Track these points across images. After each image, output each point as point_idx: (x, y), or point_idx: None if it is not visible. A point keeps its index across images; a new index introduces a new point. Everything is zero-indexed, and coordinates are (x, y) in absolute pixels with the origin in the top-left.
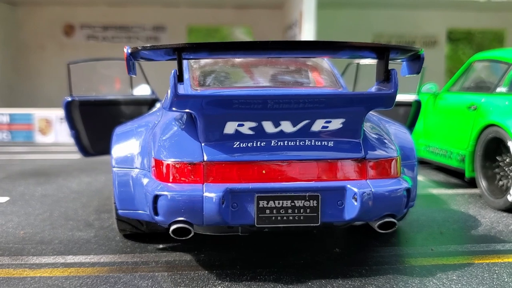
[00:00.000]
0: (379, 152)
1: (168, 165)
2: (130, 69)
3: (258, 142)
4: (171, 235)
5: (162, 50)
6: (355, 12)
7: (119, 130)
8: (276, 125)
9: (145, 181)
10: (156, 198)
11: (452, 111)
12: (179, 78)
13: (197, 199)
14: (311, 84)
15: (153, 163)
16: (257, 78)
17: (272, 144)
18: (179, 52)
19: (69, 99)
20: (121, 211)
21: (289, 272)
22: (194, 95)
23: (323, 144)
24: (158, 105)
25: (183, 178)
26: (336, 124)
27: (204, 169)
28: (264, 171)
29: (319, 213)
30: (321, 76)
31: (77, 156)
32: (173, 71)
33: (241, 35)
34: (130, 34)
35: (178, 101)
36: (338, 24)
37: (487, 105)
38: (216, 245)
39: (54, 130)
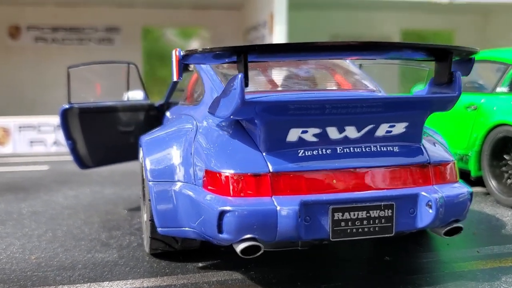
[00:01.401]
0: (439, 156)
1: (227, 177)
2: (180, 74)
3: (323, 150)
4: (240, 254)
5: (221, 53)
6: (312, 13)
7: (147, 139)
8: (341, 130)
9: (194, 195)
10: (221, 214)
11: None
12: (245, 83)
13: (270, 214)
14: (357, 87)
15: (205, 176)
16: (301, 81)
17: (338, 151)
18: (245, 55)
19: (67, 106)
20: (161, 229)
21: (354, 285)
22: (262, 102)
23: (388, 149)
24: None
25: (248, 191)
26: (399, 128)
27: (271, 180)
28: (334, 181)
29: (394, 222)
30: (360, 79)
31: (45, 167)
32: (240, 76)
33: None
34: (81, 36)
35: (244, 108)
36: (295, 26)
37: (490, 105)
38: (262, 260)
39: (12, 139)
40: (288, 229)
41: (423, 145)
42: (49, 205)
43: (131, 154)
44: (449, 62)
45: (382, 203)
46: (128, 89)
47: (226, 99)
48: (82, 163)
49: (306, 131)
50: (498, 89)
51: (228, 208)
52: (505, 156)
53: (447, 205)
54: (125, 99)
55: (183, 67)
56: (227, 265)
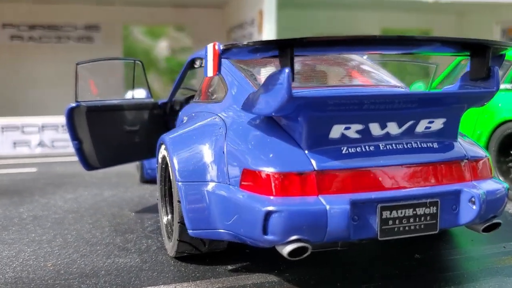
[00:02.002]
0: (475, 152)
1: (269, 176)
2: (218, 69)
3: (367, 146)
4: (287, 256)
5: (264, 47)
6: (295, 13)
7: (172, 138)
8: (383, 126)
9: (230, 195)
10: (267, 215)
11: None
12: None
13: (320, 214)
14: (385, 83)
15: (243, 175)
16: (332, 77)
17: (381, 148)
18: (291, 48)
19: (74, 105)
20: (193, 231)
21: (393, 285)
22: (310, 97)
23: (428, 145)
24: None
25: (292, 191)
26: (438, 124)
27: (316, 179)
28: (380, 178)
29: (438, 219)
30: (384, 76)
31: (33, 169)
32: (286, 70)
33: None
34: (59, 34)
35: (290, 104)
36: (278, 25)
37: (494, 101)
38: (292, 262)
39: None
40: (339, 229)
41: (459, 141)
42: (50, 208)
43: (136, 154)
44: (487, 57)
45: (428, 200)
46: (133, 87)
47: (269, 95)
48: (88, 164)
49: (349, 128)
50: (502, 86)
51: (274, 208)
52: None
53: (488, 201)
54: (128, 97)
55: (189, 64)
56: (258, 267)
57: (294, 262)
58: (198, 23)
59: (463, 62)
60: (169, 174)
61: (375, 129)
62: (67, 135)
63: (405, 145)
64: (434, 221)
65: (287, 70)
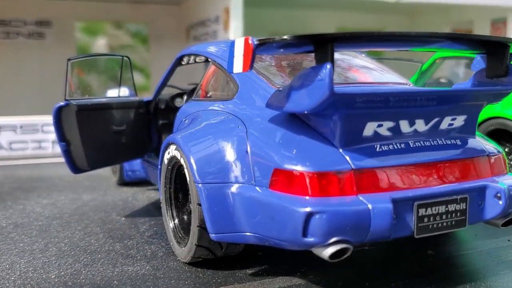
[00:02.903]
0: (492, 148)
1: (305, 176)
2: (251, 65)
3: (398, 144)
4: (328, 259)
5: (300, 42)
6: (250, 11)
7: (185, 137)
8: (411, 124)
9: (259, 197)
10: (309, 216)
11: None
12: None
13: (363, 214)
14: (393, 80)
15: (273, 175)
16: (346, 74)
17: (411, 145)
18: (331, 44)
19: (63, 103)
20: (216, 234)
21: (420, 282)
22: (353, 93)
23: (452, 142)
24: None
25: (331, 191)
26: (459, 121)
27: (355, 178)
28: (414, 176)
29: (467, 215)
30: (390, 72)
31: None
32: (328, 66)
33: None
34: (8, 29)
35: (331, 101)
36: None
37: None
38: (311, 263)
39: None
40: (382, 229)
41: (476, 138)
42: (29, 215)
43: (123, 155)
44: (506, 55)
45: (458, 197)
46: (120, 84)
47: (306, 91)
48: (75, 167)
49: (381, 125)
50: None
51: (316, 209)
52: None
53: (511, 195)
54: (110, 95)
55: (177, 62)
56: (278, 270)
57: (311, 264)
58: (156, 20)
59: (438, 61)
60: (176, 176)
61: (404, 126)
62: (26, 136)
63: (432, 142)
64: (464, 217)
65: (328, 65)
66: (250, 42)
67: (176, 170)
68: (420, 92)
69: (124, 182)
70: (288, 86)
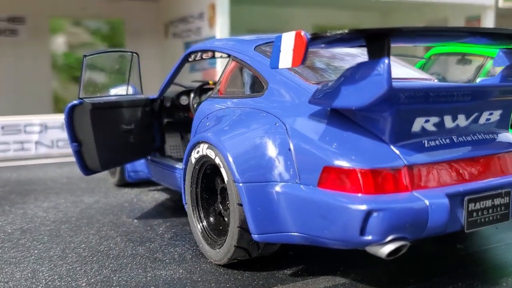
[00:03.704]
0: None
1: (358, 173)
2: (304, 60)
3: (443, 139)
4: (386, 256)
5: (353, 36)
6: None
7: (219, 136)
8: (454, 119)
9: (308, 195)
10: (368, 214)
11: None
12: None
13: (422, 210)
14: (423, 76)
15: (323, 173)
16: None
17: (455, 141)
18: (388, 38)
19: (76, 102)
20: (259, 235)
21: (457, 277)
22: (410, 88)
23: (491, 137)
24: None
25: (386, 188)
26: (495, 115)
27: (409, 174)
28: (462, 171)
29: (510, 209)
30: (415, 69)
31: None
32: (386, 60)
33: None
34: None
35: (388, 95)
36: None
37: None
38: (345, 261)
39: None
40: (439, 224)
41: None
42: (33, 220)
43: (132, 154)
44: None
45: (503, 191)
46: (128, 81)
47: (361, 86)
48: (86, 169)
49: (428, 120)
50: (478, 80)
51: (375, 207)
52: None
53: None
54: (113, 93)
55: (185, 59)
56: (317, 269)
57: (347, 262)
58: (132, 17)
59: (433, 57)
60: (203, 176)
61: (448, 121)
62: (8, 137)
63: (472, 137)
64: (507, 211)
65: (386, 60)
66: (303, 36)
67: (200, 170)
68: (465, 88)
69: (124, 183)
70: (336, 81)
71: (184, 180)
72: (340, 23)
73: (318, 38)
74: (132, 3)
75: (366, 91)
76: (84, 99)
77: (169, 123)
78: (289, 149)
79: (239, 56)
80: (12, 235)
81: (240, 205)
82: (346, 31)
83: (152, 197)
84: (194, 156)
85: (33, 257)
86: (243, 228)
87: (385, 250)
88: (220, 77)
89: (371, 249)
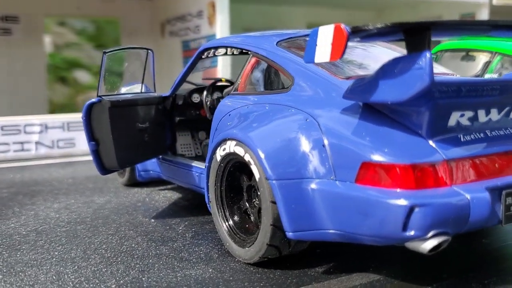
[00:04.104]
0: None
1: (398, 168)
2: (343, 53)
3: (478, 133)
4: (427, 252)
5: (392, 29)
6: None
7: (248, 132)
8: (487, 113)
9: (346, 192)
10: (411, 210)
11: None
12: None
13: (464, 205)
14: (445, 70)
15: (362, 169)
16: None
17: (489, 135)
18: (429, 32)
19: (95, 100)
20: (294, 233)
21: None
22: (453, 82)
23: None
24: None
25: (427, 182)
26: None
27: (448, 168)
28: (497, 165)
29: None
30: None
31: None
32: (427, 54)
33: None
34: None
35: (429, 89)
36: None
37: None
38: (376, 258)
39: None
40: (480, 218)
41: None
42: (46, 221)
43: (147, 152)
44: None
45: None
46: (143, 79)
47: (400, 81)
48: (103, 168)
49: (463, 115)
50: (487, 75)
51: (419, 202)
52: None
53: None
54: (124, 91)
55: (199, 56)
56: (348, 267)
57: (377, 259)
58: (128, 15)
59: (439, 54)
60: (227, 175)
61: (481, 115)
62: (8, 138)
63: (505, 131)
64: None
65: (428, 54)
66: (343, 29)
67: (226, 168)
68: (498, 82)
69: (134, 182)
70: (373, 76)
71: (208, 179)
72: (335, 21)
73: (358, 32)
74: (127, 1)
75: (406, 85)
76: (102, 97)
77: (181, 121)
78: (323, 145)
79: (261, 52)
80: (28, 237)
81: (273, 202)
82: (386, 24)
83: (165, 196)
84: (220, 153)
85: (54, 259)
86: (276, 226)
87: (428, 245)
88: (239, 73)
89: (411, 245)
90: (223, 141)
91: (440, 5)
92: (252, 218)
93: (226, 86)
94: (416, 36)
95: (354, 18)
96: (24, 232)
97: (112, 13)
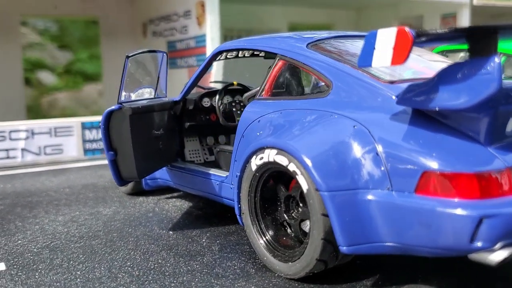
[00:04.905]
0: None
1: (461, 177)
2: (407, 57)
3: None
4: (496, 264)
5: (456, 34)
6: None
7: (290, 140)
8: None
9: (404, 203)
10: (480, 221)
11: None
12: None
13: None
14: None
15: (422, 178)
16: (424, 69)
17: None
18: (496, 36)
19: (115, 107)
20: (348, 247)
21: None
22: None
23: None
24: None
25: (492, 191)
26: None
27: (510, 176)
28: None
29: None
30: None
31: None
32: (496, 58)
33: None
34: None
35: (497, 95)
36: None
37: None
38: (413, 266)
39: None
40: None
41: None
42: (56, 236)
43: (162, 160)
44: None
45: None
46: (158, 83)
47: (466, 86)
48: (121, 178)
49: None
50: None
51: (487, 213)
52: None
53: None
54: (135, 97)
55: (213, 58)
56: (394, 279)
57: (421, 270)
58: (108, 15)
59: (440, 54)
60: (262, 185)
61: None
62: None
63: None
64: None
65: (496, 58)
66: (408, 32)
67: (261, 179)
68: None
69: (138, 191)
70: (431, 81)
71: (239, 189)
72: (315, 21)
73: (422, 36)
74: (106, 1)
75: (473, 91)
76: (123, 104)
77: (191, 126)
78: (377, 154)
79: (290, 55)
80: (42, 255)
81: (324, 215)
82: (451, 28)
83: (174, 205)
84: (256, 163)
85: (78, 279)
86: (327, 240)
87: (496, 257)
88: (265, 78)
89: (477, 256)
90: (260, 149)
91: (421, 5)
92: (289, 230)
93: (237, 90)
94: (481, 40)
95: (334, 18)
96: (35, 250)
97: (91, 12)
